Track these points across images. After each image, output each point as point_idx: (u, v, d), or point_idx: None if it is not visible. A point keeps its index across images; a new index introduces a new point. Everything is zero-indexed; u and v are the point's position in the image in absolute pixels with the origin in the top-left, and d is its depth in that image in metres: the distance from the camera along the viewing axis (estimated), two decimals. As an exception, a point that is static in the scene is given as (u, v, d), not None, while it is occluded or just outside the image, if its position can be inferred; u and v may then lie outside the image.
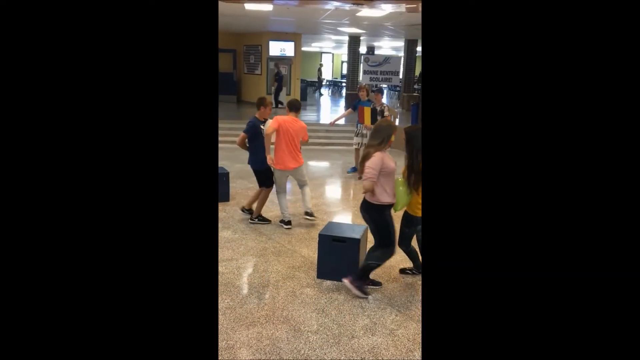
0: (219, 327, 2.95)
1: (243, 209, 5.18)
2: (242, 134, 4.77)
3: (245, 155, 5.10)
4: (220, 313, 3.13)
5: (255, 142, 4.74)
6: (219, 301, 3.30)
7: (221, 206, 5.53)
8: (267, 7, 8.60)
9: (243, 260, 4.03)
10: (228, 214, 5.28)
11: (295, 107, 4.74)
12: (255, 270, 3.90)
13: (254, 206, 5.00)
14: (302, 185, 4.93)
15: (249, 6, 8.42)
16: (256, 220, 4.96)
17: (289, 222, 4.85)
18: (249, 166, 4.95)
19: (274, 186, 4.88)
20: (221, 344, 2.78)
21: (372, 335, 2.95)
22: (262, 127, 4.69)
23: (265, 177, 4.83)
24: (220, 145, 9.68)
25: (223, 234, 4.65)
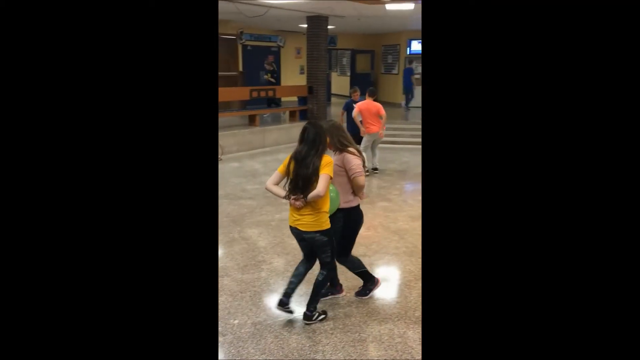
0: (351, 319, 3.05)
1: None
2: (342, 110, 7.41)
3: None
4: (352, 306, 3.22)
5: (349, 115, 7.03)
6: (352, 294, 3.40)
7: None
8: (409, 7, 8.54)
9: (375, 258, 4.09)
10: (362, 211, 5.38)
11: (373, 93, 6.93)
12: (387, 268, 3.93)
13: None
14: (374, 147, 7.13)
15: (390, 6, 8.45)
16: None
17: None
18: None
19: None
20: (353, 335, 2.87)
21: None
22: (354, 104, 6.97)
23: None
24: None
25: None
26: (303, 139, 2.81)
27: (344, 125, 7.27)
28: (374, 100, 6.86)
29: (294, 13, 9.60)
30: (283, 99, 12.41)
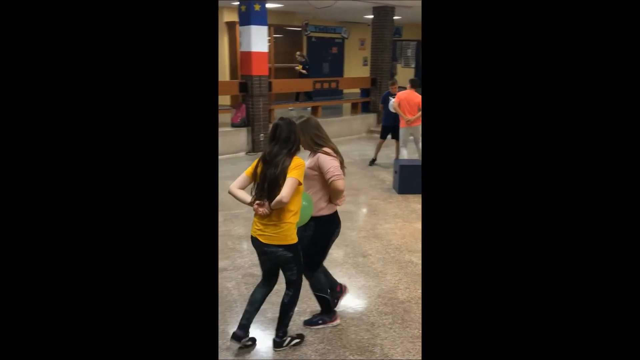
0: (410, 315, 3.02)
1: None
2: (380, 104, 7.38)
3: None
4: (412, 302, 3.19)
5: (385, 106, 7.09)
6: (412, 290, 3.37)
7: (413, 198, 5.58)
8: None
9: (436, 254, 4.01)
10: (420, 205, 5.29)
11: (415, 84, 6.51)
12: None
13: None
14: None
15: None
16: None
17: None
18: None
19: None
20: (412, 331, 2.84)
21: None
22: (390, 97, 6.86)
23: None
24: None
25: (416, 226, 4.69)
26: (274, 137, 2.43)
27: (381, 117, 7.26)
28: (416, 91, 6.38)
29: (360, 4, 9.53)
30: (345, 90, 12.40)
